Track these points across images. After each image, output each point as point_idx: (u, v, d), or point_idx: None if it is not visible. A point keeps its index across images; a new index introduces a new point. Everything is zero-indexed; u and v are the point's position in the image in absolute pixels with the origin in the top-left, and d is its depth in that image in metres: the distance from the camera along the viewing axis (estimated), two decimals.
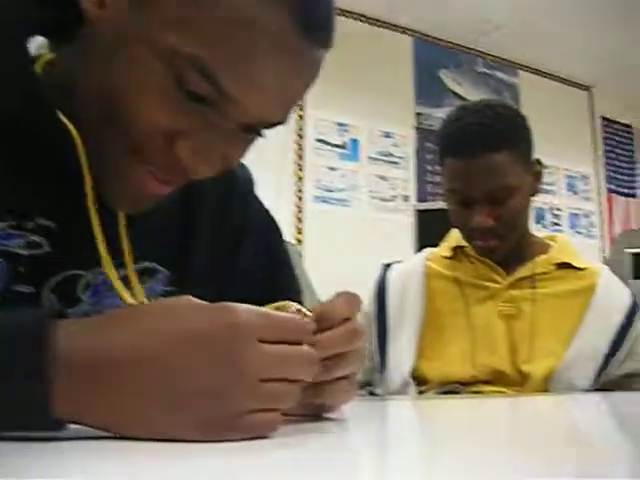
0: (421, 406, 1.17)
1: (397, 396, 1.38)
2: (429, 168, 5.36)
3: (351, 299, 0.68)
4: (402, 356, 1.42)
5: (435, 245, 1.60)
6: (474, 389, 1.37)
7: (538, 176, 1.46)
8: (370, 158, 5.15)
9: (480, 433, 0.70)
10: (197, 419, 0.53)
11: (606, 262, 3.57)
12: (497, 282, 1.45)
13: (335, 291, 0.70)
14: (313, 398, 0.65)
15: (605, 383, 1.38)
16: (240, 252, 0.98)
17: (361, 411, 0.91)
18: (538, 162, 1.45)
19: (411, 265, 1.55)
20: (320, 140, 4.92)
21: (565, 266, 1.47)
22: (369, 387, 1.50)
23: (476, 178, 1.35)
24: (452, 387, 1.37)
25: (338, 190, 4.93)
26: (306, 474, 0.44)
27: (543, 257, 1.48)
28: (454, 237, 1.55)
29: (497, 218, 1.37)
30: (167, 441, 0.53)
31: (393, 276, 1.54)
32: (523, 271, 1.45)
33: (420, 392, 1.39)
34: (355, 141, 5.08)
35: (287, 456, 0.52)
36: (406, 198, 5.20)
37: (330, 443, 0.61)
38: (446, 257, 1.53)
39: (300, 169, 4.81)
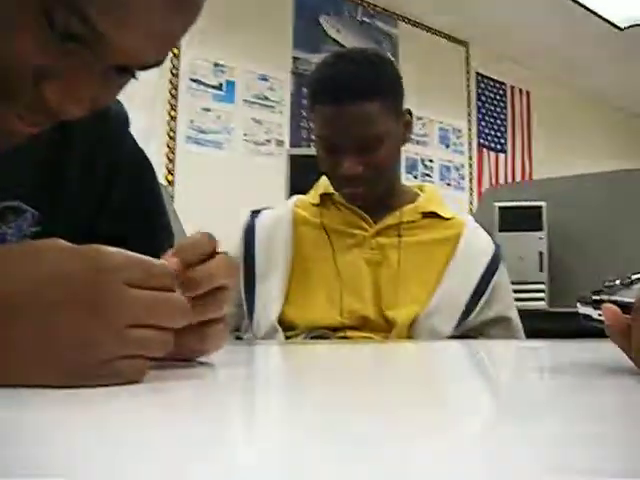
0: (289, 351, 1.18)
1: (265, 341, 1.38)
2: (304, 114, 5.35)
3: (209, 236, 0.67)
4: (270, 301, 1.42)
5: (308, 190, 1.59)
6: (341, 335, 1.38)
7: (408, 126, 1.47)
8: (245, 101, 5.08)
9: (347, 376, 0.72)
10: (63, 366, 0.51)
11: (474, 214, 3.66)
12: (364, 230, 1.46)
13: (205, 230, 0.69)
14: (188, 343, 0.63)
15: (467, 330, 1.42)
16: (112, 190, 0.95)
17: (230, 356, 0.91)
18: (409, 112, 1.47)
19: (279, 212, 1.54)
20: (195, 80, 4.82)
21: (432, 215, 1.50)
22: (236, 332, 1.48)
23: (346, 125, 1.35)
24: (320, 332, 1.38)
25: (212, 132, 4.85)
26: (176, 418, 0.43)
27: (410, 206, 1.49)
28: (323, 184, 1.55)
29: (366, 165, 1.37)
30: (31, 387, 0.50)
31: (261, 222, 1.52)
32: (390, 219, 1.47)
33: (287, 337, 1.39)
34: (231, 83, 5.00)
35: (157, 400, 0.51)
36: (280, 143, 5.18)
37: (200, 387, 0.61)
38: (314, 204, 1.53)
39: (173, 109, 4.70)
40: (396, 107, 1.42)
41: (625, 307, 0.61)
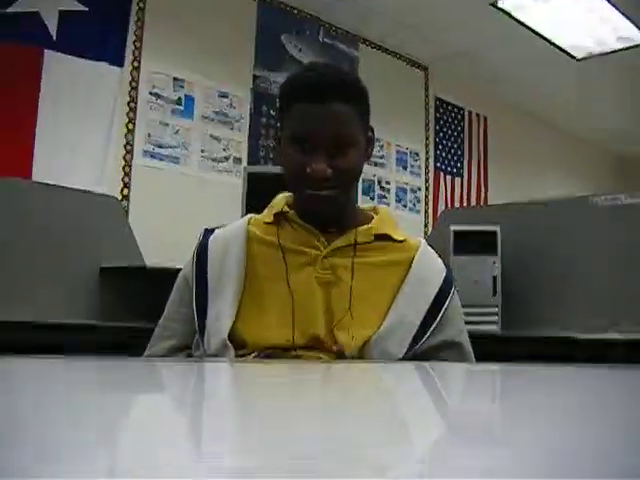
0: (238, 369, 1.16)
1: (215, 359, 1.36)
2: (262, 132, 5.34)
3: None
4: (221, 319, 1.40)
5: (264, 208, 1.58)
6: (292, 354, 1.37)
7: (371, 142, 1.49)
8: (204, 117, 5.07)
9: (293, 395, 0.72)
10: None
11: (429, 237, 3.68)
12: (317, 249, 1.45)
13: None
14: None
15: (419, 354, 1.42)
16: None
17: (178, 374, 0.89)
18: (371, 130, 1.48)
19: (232, 230, 1.53)
20: (154, 94, 4.80)
21: (385, 237, 1.50)
22: (187, 350, 1.47)
23: (323, 122, 1.37)
24: (271, 352, 1.37)
25: (169, 147, 4.83)
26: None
27: (364, 227, 1.49)
28: (277, 203, 1.54)
29: (334, 169, 1.38)
30: None
31: (214, 240, 1.51)
32: (344, 240, 1.46)
33: (238, 356, 1.38)
34: (190, 98, 4.99)
35: None
36: (238, 160, 5.17)
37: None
38: (268, 222, 1.52)
39: (131, 122, 4.66)
40: (364, 119, 1.45)
41: None
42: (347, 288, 1.41)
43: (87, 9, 4.48)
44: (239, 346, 1.38)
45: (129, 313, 3.08)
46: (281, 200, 1.54)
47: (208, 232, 1.54)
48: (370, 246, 1.48)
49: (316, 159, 1.37)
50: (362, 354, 1.37)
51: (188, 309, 1.45)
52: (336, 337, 1.38)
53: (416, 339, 1.40)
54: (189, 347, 1.47)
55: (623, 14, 5.77)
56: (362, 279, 1.43)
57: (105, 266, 3.27)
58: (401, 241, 1.51)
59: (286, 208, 1.51)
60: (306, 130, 1.38)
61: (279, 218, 1.51)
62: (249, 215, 1.59)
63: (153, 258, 3.32)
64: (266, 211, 1.55)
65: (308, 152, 1.39)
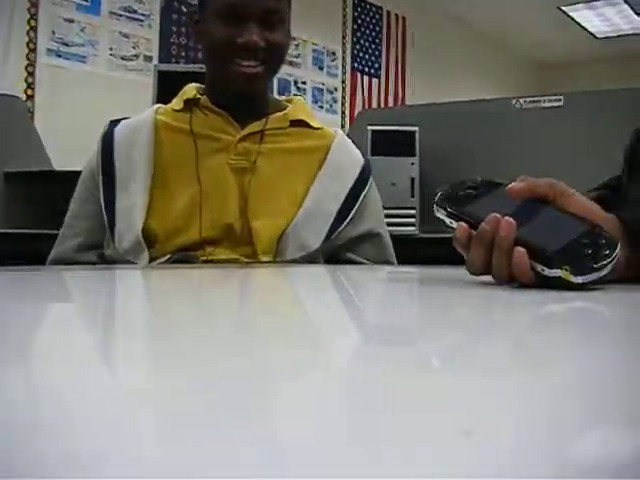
0: (153, 277, 1.11)
1: (128, 266, 1.29)
2: (174, 29, 5.20)
3: None
4: (133, 214, 1.34)
5: None
6: (205, 252, 1.32)
7: (290, 35, 1.44)
8: (112, 13, 4.89)
9: (207, 300, 0.71)
10: None
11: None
12: (231, 135, 1.40)
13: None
14: None
15: (337, 246, 1.40)
16: None
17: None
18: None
19: (139, 119, 1.47)
20: None
21: (301, 124, 1.46)
22: (97, 250, 1.39)
23: None
24: (183, 256, 1.31)
25: (75, 45, 4.66)
26: None
27: (279, 114, 1.45)
28: (188, 91, 1.48)
29: (266, 42, 1.35)
30: None
31: (120, 130, 1.44)
32: (257, 125, 1.42)
33: (152, 259, 1.31)
34: None
35: None
36: (148, 58, 5.04)
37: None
38: (177, 110, 1.45)
39: (33, 18, 4.47)
40: (289, 2, 1.42)
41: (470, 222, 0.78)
42: (262, 175, 1.37)
43: None
44: (151, 242, 1.32)
45: (37, 220, 2.99)
46: (192, 88, 1.48)
47: (113, 123, 1.47)
48: (286, 131, 1.44)
49: (248, 30, 1.34)
50: (278, 245, 1.33)
51: (95, 204, 1.39)
52: (251, 226, 1.33)
53: (333, 229, 1.38)
54: (99, 245, 1.40)
55: None
56: (278, 166, 1.39)
57: (10, 170, 3.16)
58: (317, 128, 1.47)
59: (198, 95, 1.44)
60: (237, 1, 1.34)
61: (190, 105, 1.45)
62: (157, 105, 1.52)
63: (61, 161, 3.22)
64: (175, 99, 1.49)
65: (238, 25, 1.35)
